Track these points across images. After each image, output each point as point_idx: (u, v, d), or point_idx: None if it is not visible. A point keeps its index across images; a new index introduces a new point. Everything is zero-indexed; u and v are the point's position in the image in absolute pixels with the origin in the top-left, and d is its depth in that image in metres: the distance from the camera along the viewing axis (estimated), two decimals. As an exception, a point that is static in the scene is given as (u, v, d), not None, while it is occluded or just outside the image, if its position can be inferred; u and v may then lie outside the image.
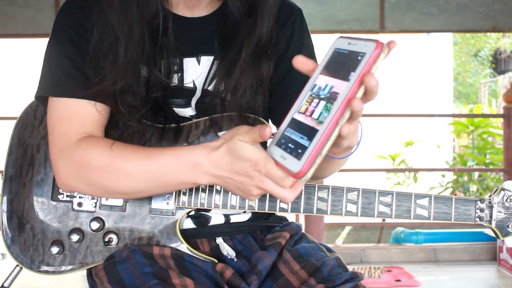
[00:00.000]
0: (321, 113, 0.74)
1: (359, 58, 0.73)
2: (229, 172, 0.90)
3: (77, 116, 1.04)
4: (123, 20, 1.02)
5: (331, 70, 0.78)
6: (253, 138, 0.86)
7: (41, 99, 1.10)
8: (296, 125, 0.78)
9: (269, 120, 1.17)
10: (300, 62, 0.84)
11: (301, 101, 0.79)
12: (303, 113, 0.77)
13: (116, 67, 1.02)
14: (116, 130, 1.08)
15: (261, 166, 0.85)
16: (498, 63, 13.44)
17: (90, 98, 1.04)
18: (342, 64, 0.76)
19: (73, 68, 1.05)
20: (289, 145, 0.77)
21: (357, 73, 0.72)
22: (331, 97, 0.74)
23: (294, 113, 0.79)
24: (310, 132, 0.75)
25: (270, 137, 0.83)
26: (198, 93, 1.12)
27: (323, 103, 0.75)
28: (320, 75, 0.79)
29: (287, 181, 0.84)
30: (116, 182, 1.00)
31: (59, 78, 1.06)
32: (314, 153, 0.73)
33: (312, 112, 0.76)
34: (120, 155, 0.99)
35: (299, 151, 0.75)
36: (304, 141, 0.75)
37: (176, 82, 1.11)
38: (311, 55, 1.18)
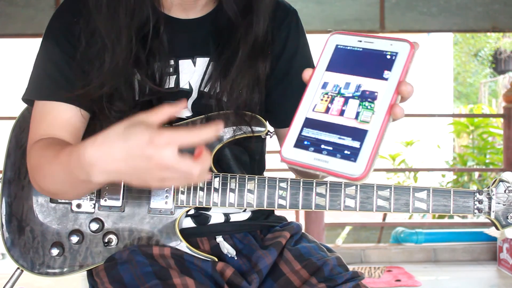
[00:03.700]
0: (359, 112, 0.71)
1: (391, 57, 0.72)
2: (123, 161, 0.77)
3: (47, 118, 1.05)
4: (111, 27, 1.03)
5: (347, 68, 0.75)
6: (154, 120, 0.77)
7: (28, 102, 1.12)
8: (318, 125, 0.73)
9: (267, 121, 1.17)
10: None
11: (311, 100, 0.74)
12: (325, 112, 0.73)
13: (102, 73, 1.03)
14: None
15: (157, 138, 0.74)
16: (498, 63, 13.44)
17: (71, 102, 1.05)
18: (363, 62, 0.74)
19: (56, 71, 1.06)
20: (323, 146, 0.71)
21: (396, 72, 0.71)
22: (368, 96, 0.71)
23: (308, 112, 0.74)
24: (353, 132, 0.70)
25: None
26: (194, 95, 1.12)
27: (355, 102, 0.72)
28: (326, 72, 0.75)
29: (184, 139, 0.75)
30: (44, 182, 0.99)
31: (42, 81, 1.08)
32: (373, 153, 0.68)
33: (342, 111, 0.72)
34: (43, 154, 0.98)
35: (347, 152, 0.69)
36: (349, 142, 0.70)
37: (172, 84, 1.11)
38: (306, 56, 1.19)
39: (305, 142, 0.72)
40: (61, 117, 1.05)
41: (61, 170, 0.90)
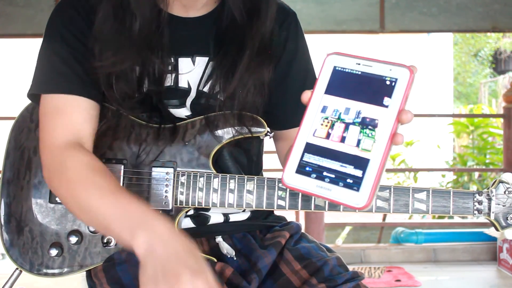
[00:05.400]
0: (360, 140, 0.71)
1: (391, 83, 0.71)
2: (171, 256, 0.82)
3: (64, 112, 1.04)
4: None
5: (346, 92, 0.74)
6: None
7: (34, 98, 1.10)
8: (319, 151, 0.73)
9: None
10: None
11: (311, 124, 0.74)
12: (326, 138, 0.73)
13: (131, 42, 1.03)
14: (110, 126, 1.08)
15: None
16: (498, 63, 13.43)
17: (79, 93, 1.04)
18: (362, 87, 0.73)
19: (63, 64, 1.05)
20: (325, 173, 0.71)
21: (396, 100, 0.71)
22: (369, 123, 0.71)
23: (308, 137, 0.74)
24: (355, 161, 0.70)
25: None
26: (193, 94, 1.12)
27: (356, 128, 0.71)
28: (325, 95, 0.75)
29: None
30: (74, 203, 0.97)
31: (49, 75, 1.06)
32: (376, 182, 0.69)
33: (343, 138, 0.72)
34: (91, 185, 0.96)
35: (349, 181, 0.70)
36: (351, 170, 0.70)
37: (171, 82, 1.10)
38: (305, 59, 1.19)
39: (307, 168, 0.73)
40: (77, 110, 1.04)
41: (108, 218, 0.91)
